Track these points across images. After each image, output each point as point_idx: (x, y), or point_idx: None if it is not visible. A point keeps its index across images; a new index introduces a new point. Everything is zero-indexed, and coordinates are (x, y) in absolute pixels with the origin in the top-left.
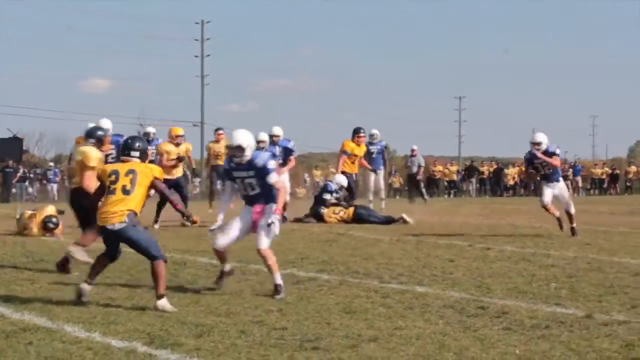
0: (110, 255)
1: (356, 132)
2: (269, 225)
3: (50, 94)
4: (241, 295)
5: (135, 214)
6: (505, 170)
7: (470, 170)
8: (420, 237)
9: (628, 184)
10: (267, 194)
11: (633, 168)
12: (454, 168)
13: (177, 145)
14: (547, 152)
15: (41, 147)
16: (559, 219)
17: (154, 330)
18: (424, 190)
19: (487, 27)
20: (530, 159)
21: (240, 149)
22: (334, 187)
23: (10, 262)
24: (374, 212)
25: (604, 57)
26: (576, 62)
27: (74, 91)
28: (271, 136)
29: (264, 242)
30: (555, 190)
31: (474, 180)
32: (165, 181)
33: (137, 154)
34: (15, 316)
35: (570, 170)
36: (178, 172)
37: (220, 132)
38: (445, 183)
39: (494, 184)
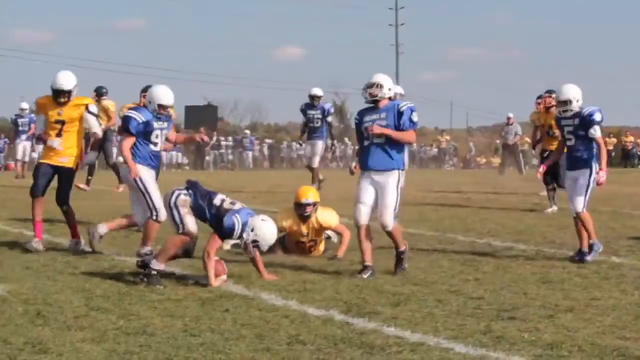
0: None
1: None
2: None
3: (245, 61)
4: (438, 264)
5: None
6: None
7: None
8: (615, 208)
9: None
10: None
11: None
12: None
13: None
14: None
15: (236, 114)
16: None
17: (350, 299)
18: (521, 160)
19: None
20: None
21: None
22: None
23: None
24: None
25: None
26: None
27: (267, 59)
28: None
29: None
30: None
31: None
32: None
33: None
34: None
35: None
36: None
37: None
38: None
39: None
